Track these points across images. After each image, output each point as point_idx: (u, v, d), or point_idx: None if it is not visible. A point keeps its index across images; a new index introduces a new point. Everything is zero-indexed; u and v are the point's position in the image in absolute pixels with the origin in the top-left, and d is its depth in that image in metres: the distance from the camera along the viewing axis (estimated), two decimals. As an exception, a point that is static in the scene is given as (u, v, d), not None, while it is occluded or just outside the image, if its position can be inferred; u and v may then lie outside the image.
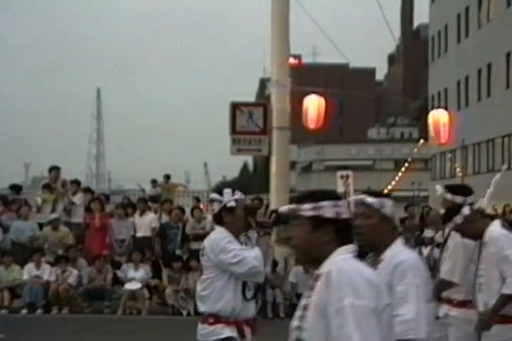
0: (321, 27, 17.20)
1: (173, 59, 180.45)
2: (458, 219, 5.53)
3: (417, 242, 14.65)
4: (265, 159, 20.92)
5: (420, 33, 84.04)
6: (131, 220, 15.11)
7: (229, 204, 5.23)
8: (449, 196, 5.82)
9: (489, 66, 35.23)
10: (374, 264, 3.90)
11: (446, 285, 6.45)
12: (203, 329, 5.22)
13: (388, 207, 4.00)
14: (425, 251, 14.50)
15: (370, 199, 3.98)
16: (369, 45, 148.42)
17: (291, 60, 17.00)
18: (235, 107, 15.98)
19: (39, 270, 14.01)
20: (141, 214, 15.21)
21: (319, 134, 26.95)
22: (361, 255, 4.22)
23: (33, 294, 13.69)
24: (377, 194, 4.09)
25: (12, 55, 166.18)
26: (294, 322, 3.03)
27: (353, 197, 4.18)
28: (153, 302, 14.10)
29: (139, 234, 15.01)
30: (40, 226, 14.80)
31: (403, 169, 45.99)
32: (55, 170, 15.94)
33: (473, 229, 5.55)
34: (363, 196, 4.03)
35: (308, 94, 16.52)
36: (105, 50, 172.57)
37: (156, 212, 16.00)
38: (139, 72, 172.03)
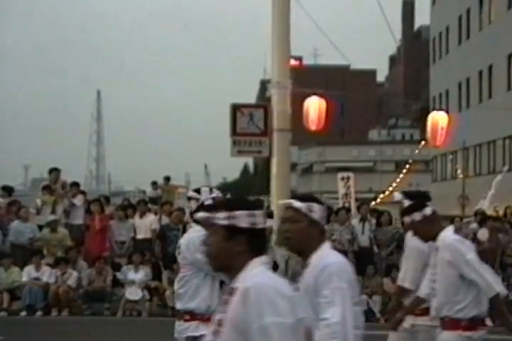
0: (322, 28, 17.15)
1: (174, 60, 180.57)
2: (417, 216, 5.55)
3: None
4: (266, 161, 20.89)
5: (421, 35, 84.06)
6: (131, 222, 15.09)
7: (206, 203, 5.24)
8: (406, 202, 5.82)
9: (490, 68, 35.20)
10: (302, 268, 3.91)
11: (401, 291, 6.42)
12: (179, 325, 5.31)
13: (316, 211, 3.98)
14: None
15: (297, 204, 3.97)
16: (370, 46, 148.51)
17: (292, 62, 16.92)
18: (236, 109, 15.93)
19: (39, 272, 13.98)
20: (141, 215, 15.19)
21: (320, 136, 26.90)
22: (274, 267, 4.26)
23: (32, 296, 13.66)
24: (306, 198, 4.06)
25: (12, 56, 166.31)
26: (208, 337, 3.02)
27: (281, 202, 4.16)
28: (153, 304, 14.07)
29: (139, 236, 14.98)
30: (40, 228, 14.77)
31: (404, 171, 45.95)
32: (55, 171, 15.92)
33: (429, 230, 5.57)
34: (291, 200, 4.02)
35: (308, 95, 16.47)
36: (105, 51, 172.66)
37: (156, 213, 15.97)
38: (139, 73, 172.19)
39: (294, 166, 55.41)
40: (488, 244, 14.55)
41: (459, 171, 38.24)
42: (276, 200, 15.61)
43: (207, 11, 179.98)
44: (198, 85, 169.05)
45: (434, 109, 22.60)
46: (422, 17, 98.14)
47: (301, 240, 3.97)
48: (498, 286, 5.41)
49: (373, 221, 15.12)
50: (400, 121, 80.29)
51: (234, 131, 15.84)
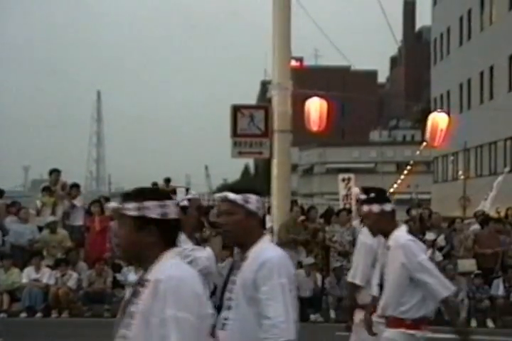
0: (323, 29, 17.10)
1: (174, 61, 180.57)
2: (376, 208, 5.59)
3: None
4: (266, 162, 20.86)
5: (422, 36, 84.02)
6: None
7: (182, 204, 5.19)
8: (364, 197, 5.81)
9: (491, 68, 35.15)
10: (240, 261, 3.85)
11: (353, 287, 6.44)
12: None
13: (253, 202, 3.89)
14: (426, 254, 14.42)
15: (232, 196, 3.89)
16: (371, 47, 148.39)
17: (293, 63, 16.92)
18: (236, 110, 15.90)
19: (38, 273, 13.94)
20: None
21: (321, 137, 26.86)
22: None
23: (32, 297, 13.62)
24: (241, 189, 3.97)
25: (12, 57, 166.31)
26: (122, 330, 2.97)
27: (216, 195, 4.12)
28: (153, 306, 14.02)
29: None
30: (40, 229, 14.74)
31: (405, 172, 45.90)
32: (55, 172, 15.90)
33: (382, 225, 5.60)
34: (225, 193, 3.94)
35: (309, 96, 16.44)
36: (106, 52, 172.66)
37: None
38: (139, 74, 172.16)
39: (294, 167, 55.33)
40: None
41: (460, 172, 38.19)
42: (277, 201, 15.59)
43: (207, 11, 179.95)
44: (199, 86, 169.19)
45: (435, 110, 22.59)
46: (423, 18, 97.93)
47: (240, 232, 3.88)
48: (448, 288, 5.42)
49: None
50: (401, 122, 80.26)
51: (234, 132, 15.81)
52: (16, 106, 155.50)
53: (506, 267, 14.35)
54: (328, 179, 57.53)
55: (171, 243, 3.02)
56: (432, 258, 14.35)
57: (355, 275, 6.38)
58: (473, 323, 13.58)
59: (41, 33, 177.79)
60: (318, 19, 16.99)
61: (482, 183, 30.19)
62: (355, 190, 6.32)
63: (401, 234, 5.60)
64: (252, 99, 79.65)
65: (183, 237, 5.15)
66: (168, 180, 22.18)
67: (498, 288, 13.87)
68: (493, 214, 18.34)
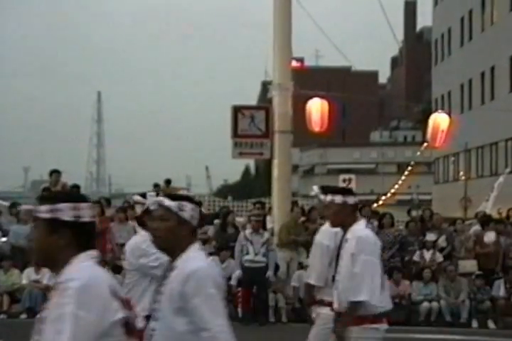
0: (324, 30, 17.09)
1: (175, 62, 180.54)
2: (339, 199, 5.58)
3: (419, 246, 14.55)
4: (267, 163, 20.83)
5: (423, 36, 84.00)
6: (131, 224, 15.01)
7: (151, 208, 5.26)
8: (322, 197, 5.79)
9: (493, 69, 35.12)
10: (168, 271, 3.83)
11: (309, 287, 6.43)
12: None
13: (187, 210, 3.88)
14: (427, 254, 14.40)
15: (167, 202, 3.88)
16: (372, 48, 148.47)
17: (294, 63, 16.87)
18: (237, 110, 15.88)
19: (38, 274, 13.90)
20: (142, 218, 15.13)
21: (322, 137, 26.86)
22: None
23: (32, 299, 13.59)
24: (178, 197, 3.98)
25: (12, 57, 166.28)
26: (35, 337, 2.97)
27: (152, 199, 4.07)
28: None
29: (140, 238, 14.92)
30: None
31: (406, 173, 45.89)
32: (55, 173, 15.87)
33: (341, 217, 5.61)
34: (161, 198, 3.93)
35: (310, 97, 16.42)
36: (106, 53, 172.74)
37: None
38: (139, 75, 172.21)
39: (295, 168, 55.29)
40: (492, 247, 14.47)
41: (461, 173, 38.15)
42: (278, 202, 15.56)
43: (208, 12, 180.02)
44: (199, 87, 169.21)
45: (436, 111, 22.56)
46: (424, 18, 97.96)
47: (170, 239, 3.86)
48: (367, 295, 5.36)
49: (375, 223, 15.04)
50: (402, 123, 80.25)
51: (235, 133, 15.79)
52: (16, 106, 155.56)
53: (507, 268, 14.31)
54: (329, 180, 57.40)
55: (84, 246, 2.99)
56: (432, 260, 14.37)
57: (311, 275, 6.38)
58: (475, 324, 13.55)
59: (41, 33, 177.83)
60: (319, 20, 16.99)
61: (483, 184, 30.18)
62: (315, 188, 6.23)
63: (360, 227, 5.59)
64: (252, 100, 79.72)
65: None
66: (168, 182, 22.16)
67: (499, 289, 13.83)
68: (494, 215, 18.30)
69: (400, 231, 15.23)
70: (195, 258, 3.82)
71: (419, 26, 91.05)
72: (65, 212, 2.97)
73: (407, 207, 19.22)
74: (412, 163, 46.56)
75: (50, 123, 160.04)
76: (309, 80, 38.35)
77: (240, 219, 16.54)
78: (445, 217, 17.28)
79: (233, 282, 13.79)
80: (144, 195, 5.32)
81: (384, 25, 18.13)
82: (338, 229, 5.83)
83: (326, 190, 5.91)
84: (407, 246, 14.61)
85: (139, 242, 5.19)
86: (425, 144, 45.58)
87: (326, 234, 6.04)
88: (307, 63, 73.62)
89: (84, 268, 2.94)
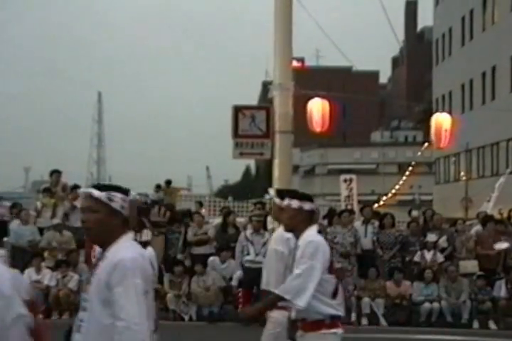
0: (324, 30, 17.05)
1: (175, 62, 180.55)
2: (295, 203, 5.55)
3: (420, 246, 14.53)
4: (268, 163, 20.80)
5: (424, 36, 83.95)
6: (132, 224, 15.00)
7: None
8: (277, 200, 5.78)
9: (494, 69, 35.10)
10: (99, 260, 3.81)
11: (266, 294, 6.34)
12: None
13: (117, 200, 3.84)
14: (428, 255, 14.38)
15: (96, 193, 3.84)
16: (372, 48, 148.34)
17: (294, 63, 16.85)
18: (238, 111, 15.85)
19: (39, 274, 13.89)
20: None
21: (323, 138, 26.84)
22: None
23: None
24: (106, 187, 3.95)
25: (12, 58, 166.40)
26: None
27: (81, 190, 4.04)
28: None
29: (141, 239, 14.90)
30: (40, 230, 14.69)
31: (407, 173, 45.88)
32: (56, 173, 15.86)
33: (295, 222, 5.56)
34: (90, 189, 3.90)
35: (311, 97, 16.40)
36: (106, 53, 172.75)
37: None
38: (140, 75, 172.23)
39: (296, 168, 55.32)
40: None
41: (461, 173, 38.12)
42: (279, 203, 15.54)
43: (208, 12, 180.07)
44: (200, 87, 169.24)
45: (437, 111, 22.52)
46: (425, 18, 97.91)
47: (101, 231, 3.82)
48: (297, 297, 5.27)
49: (376, 223, 15.02)
50: (403, 123, 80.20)
51: (236, 133, 15.76)
52: (17, 107, 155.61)
53: (508, 268, 14.29)
54: (329, 180, 57.48)
55: None
56: (433, 260, 14.34)
57: (268, 282, 6.34)
58: (476, 325, 13.53)
59: (42, 33, 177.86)
60: (320, 20, 16.95)
61: (484, 184, 30.14)
62: (270, 191, 6.29)
63: (311, 233, 5.53)
64: (253, 100, 79.70)
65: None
66: (168, 182, 22.18)
67: (501, 289, 13.81)
68: (495, 215, 18.28)
69: (400, 231, 15.21)
70: (125, 248, 3.77)
71: (420, 26, 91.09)
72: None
73: (408, 207, 19.18)
74: (413, 163, 46.54)
75: (50, 123, 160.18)
76: (310, 80, 38.33)
77: (240, 220, 16.53)
78: (446, 218, 17.26)
79: (234, 282, 13.78)
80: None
81: (385, 24, 18.07)
82: (290, 236, 5.79)
83: (282, 193, 5.86)
84: (408, 246, 14.59)
85: None
86: (427, 145, 45.57)
87: (279, 240, 6.02)
88: (308, 63, 73.72)
89: None
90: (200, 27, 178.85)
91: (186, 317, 13.57)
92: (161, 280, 14.25)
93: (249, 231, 13.37)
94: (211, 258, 14.28)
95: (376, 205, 34.42)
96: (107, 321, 3.65)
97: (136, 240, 5.37)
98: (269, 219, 14.91)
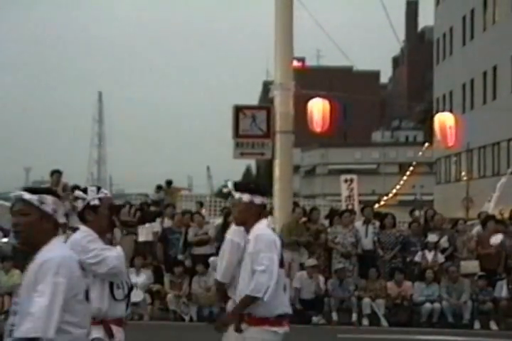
0: (325, 29, 17.05)
1: (175, 62, 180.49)
2: (246, 197, 5.54)
3: (421, 246, 14.49)
4: (268, 163, 20.77)
5: (425, 36, 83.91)
6: (132, 224, 14.99)
7: (92, 203, 5.20)
8: (236, 194, 5.75)
9: (495, 68, 35.06)
10: (28, 263, 3.79)
11: (220, 285, 6.40)
12: None
13: (49, 203, 3.83)
14: (429, 255, 14.34)
15: (27, 196, 3.82)
16: (373, 47, 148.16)
17: (295, 63, 16.83)
18: (238, 110, 15.83)
19: (39, 275, 13.88)
20: (143, 218, 15.11)
21: (323, 138, 26.81)
22: None
23: (33, 299, 13.55)
24: (38, 190, 3.92)
25: (12, 58, 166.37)
26: None
27: (12, 194, 4.00)
28: (154, 308, 13.96)
29: (141, 239, 14.88)
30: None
31: (408, 173, 45.84)
32: (56, 173, 15.83)
33: (245, 216, 5.56)
34: (21, 192, 3.87)
35: (311, 97, 16.38)
36: (107, 53, 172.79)
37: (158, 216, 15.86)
38: (140, 75, 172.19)
39: (296, 168, 55.24)
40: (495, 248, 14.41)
41: (462, 173, 38.08)
42: (279, 203, 15.51)
43: (209, 12, 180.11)
44: (200, 87, 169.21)
45: (437, 111, 22.50)
46: (426, 18, 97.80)
47: (32, 234, 3.80)
48: (259, 292, 5.29)
49: (377, 224, 14.99)
50: (404, 123, 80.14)
51: (236, 133, 15.74)
52: (17, 107, 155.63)
53: (510, 269, 14.26)
54: (330, 180, 57.45)
55: None
56: (434, 260, 14.31)
57: (220, 273, 6.38)
58: (477, 325, 13.50)
59: (42, 33, 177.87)
60: (320, 19, 16.94)
61: (485, 184, 30.11)
62: (229, 184, 6.19)
63: (261, 226, 5.52)
64: (254, 100, 79.65)
65: (93, 237, 5.05)
66: (169, 183, 22.15)
67: (502, 289, 13.78)
68: (496, 215, 18.23)
69: (401, 231, 15.18)
70: (53, 249, 3.76)
71: (420, 26, 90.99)
72: None
73: (409, 207, 19.13)
74: (414, 163, 46.49)
75: (51, 123, 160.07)
76: (311, 80, 38.26)
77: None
78: (447, 218, 17.22)
79: (234, 283, 13.76)
80: (84, 190, 5.30)
81: (385, 24, 18.07)
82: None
83: (238, 186, 5.84)
84: (409, 246, 14.56)
85: (79, 238, 5.16)
86: (428, 145, 45.52)
87: (236, 232, 6.02)
88: (308, 63, 73.66)
89: None
90: (201, 26, 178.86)
91: (187, 318, 13.55)
92: (161, 281, 14.24)
93: (249, 232, 13.34)
94: (212, 259, 14.24)
95: (377, 205, 34.39)
96: None
97: (108, 239, 5.38)
98: (270, 219, 14.88)
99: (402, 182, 46.01)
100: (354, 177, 18.41)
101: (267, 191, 5.88)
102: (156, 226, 15.02)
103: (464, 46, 40.00)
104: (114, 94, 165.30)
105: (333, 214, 15.59)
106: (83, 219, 5.27)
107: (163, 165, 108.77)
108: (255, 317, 5.38)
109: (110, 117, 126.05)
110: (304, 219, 14.93)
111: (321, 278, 13.91)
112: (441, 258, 14.39)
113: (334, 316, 13.61)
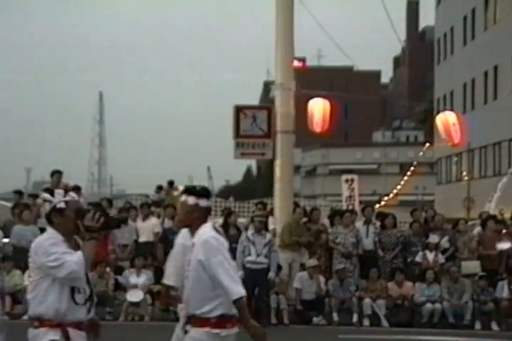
0: (326, 29, 17.05)
1: (176, 62, 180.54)
2: (191, 200, 5.55)
3: (422, 247, 14.48)
4: (269, 163, 20.78)
5: (426, 36, 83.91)
6: (133, 225, 14.97)
7: (58, 205, 5.21)
8: (187, 198, 5.76)
9: (496, 68, 35.03)
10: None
11: (168, 288, 6.42)
12: (30, 333, 5.19)
13: None
14: (430, 256, 14.32)
15: None
16: (374, 47, 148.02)
17: (296, 63, 16.82)
18: (239, 111, 15.82)
19: (40, 275, 13.86)
20: (144, 218, 15.09)
21: (324, 138, 26.77)
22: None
23: (33, 300, 13.54)
24: None
25: (12, 58, 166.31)
26: None
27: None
28: (155, 309, 13.94)
29: (142, 239, 14.87)
30: (41, 231, 14.64)
31: (408, 173, 45.79)
32: (57, 174, 15.84)
33: (192, 219, 5.55)
34: None
35: (312, 97, 16.37)
36: (107, 53, 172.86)
37: (159, 216, 15.85)
38: (141, 75, 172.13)
39: (297, 168, 55.25)
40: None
41: (463, 173, 38.05)
42: (280, 203, 15.50)
43: (209, 11, 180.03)
44: (201, 87, 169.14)
45: (438, 111, 22.47)
46: (427, 18, 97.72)
47: None
48: (237, 293, 5.36)
49: (378, 224, 14.97)
50: (405, 123, 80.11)
51: (237, 133, 15.74)
52: (17, 107, 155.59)
53: (511, 269, 14.24)
54: (331, 180, 57.45)
55: None
56: (435, 261, 14.29)
57: (169, 276, 6.41)
58: (478, 326, 13.48)
59: (42, 33, 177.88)
60: (321, 19, 16.93)
61: (486, 184, 30.10)
62: (179, 188, 6.24)
63: (206, 230, 5.49)
64: (254, 100, 79.60)
65: (57, 240, 5.06)
66: (171, 183, 22.15)
67: (503, 290, 13.76)
68: (497, 215, 18.23)
69: (402, 232, 15.16)
70: None
71: (421, 26, 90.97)
72: None
73: (410, 207, 19.11)
74: (415, 163, 46.43)
75: (51, 123, 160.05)
76: (311, 80, 38.23)
77: (241, 220, 16.48)
78: (448, 218, 17.21)
79: (235, 283, 13.72)
80: (52, 193, 5.30)
81: (386, 24, 18.08)
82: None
83: (185, 189, 5.86)
84: (410, 247, 14.54)
85: (42, 240, 5.18)
86: (427, 145, 45.50)
87: (186, 235, 6.03)
88: (309, 63, 73.47)
89: None
90: (202, 26, 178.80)
91: (187, 318, 13.52)
92: (160, 281, 14.22)
93: (250, 232, 13.33)
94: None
95: (378, 206, 34.37)
96: None
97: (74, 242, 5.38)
98: (271, 219, 14.87)
99: (402, 182, 45.94)
100: (355, 177, 18.41)
101: (211, 194, 5.90)
102: (156, 226, 15.01)
103: (464, 46, 39.98)
104: (114, 95, 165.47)
105: (334, 215, 15.58)
106: (50, 222, 5.27)
107: (164, 165, 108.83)
108: (197, 318, 5.36)
109: (111, 117, 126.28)
110: (304, 219, 14.92)
111: (322, 279, 13.90)
112: (442, 258, 14.37)
113: (335, 316, 13.59)
